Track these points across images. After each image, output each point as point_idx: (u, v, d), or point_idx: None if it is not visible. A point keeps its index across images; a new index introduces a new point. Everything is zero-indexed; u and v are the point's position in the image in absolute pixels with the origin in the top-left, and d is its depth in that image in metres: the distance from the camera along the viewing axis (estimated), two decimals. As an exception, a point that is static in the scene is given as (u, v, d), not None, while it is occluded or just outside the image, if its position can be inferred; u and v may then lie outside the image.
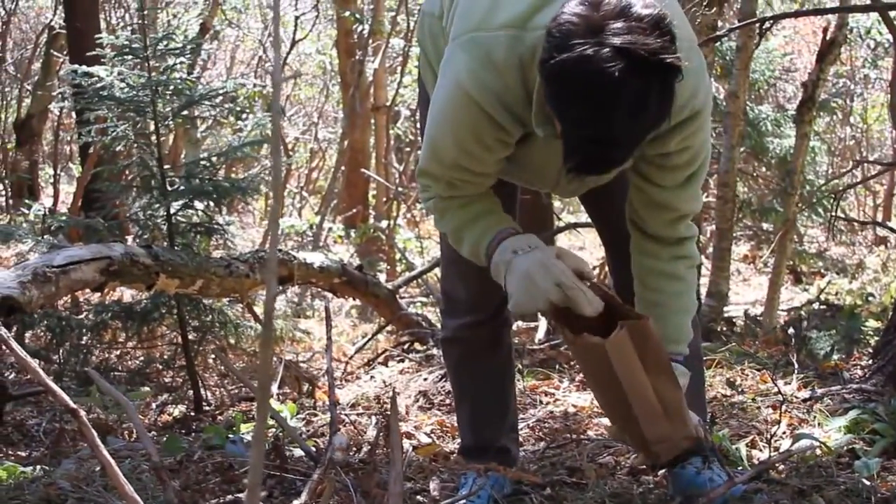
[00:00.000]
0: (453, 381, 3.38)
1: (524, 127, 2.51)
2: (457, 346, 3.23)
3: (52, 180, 14.49)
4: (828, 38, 6.94)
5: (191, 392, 5.22)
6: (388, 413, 3.17)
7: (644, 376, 2.54)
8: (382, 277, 8.58)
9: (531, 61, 2.37)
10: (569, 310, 2.53)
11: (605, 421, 4.21)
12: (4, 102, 16.03)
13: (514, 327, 6.04)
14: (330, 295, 6.33)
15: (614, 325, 2.50)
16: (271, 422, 3.71)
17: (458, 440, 3.65)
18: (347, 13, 11.70)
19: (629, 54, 2.14)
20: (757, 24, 5.63)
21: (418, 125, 3.40)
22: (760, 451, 3.58)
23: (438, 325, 6.29)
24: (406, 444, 3.89)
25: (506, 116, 2.48)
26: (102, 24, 11.66)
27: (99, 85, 5.09)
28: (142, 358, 5.71)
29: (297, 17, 13.82)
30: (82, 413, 2.20)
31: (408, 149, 16.21)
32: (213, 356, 5.60)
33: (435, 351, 5.60)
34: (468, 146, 2.55)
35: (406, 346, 6.04)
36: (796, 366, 4.83)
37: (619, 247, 2.92)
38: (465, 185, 2.67)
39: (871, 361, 4.65)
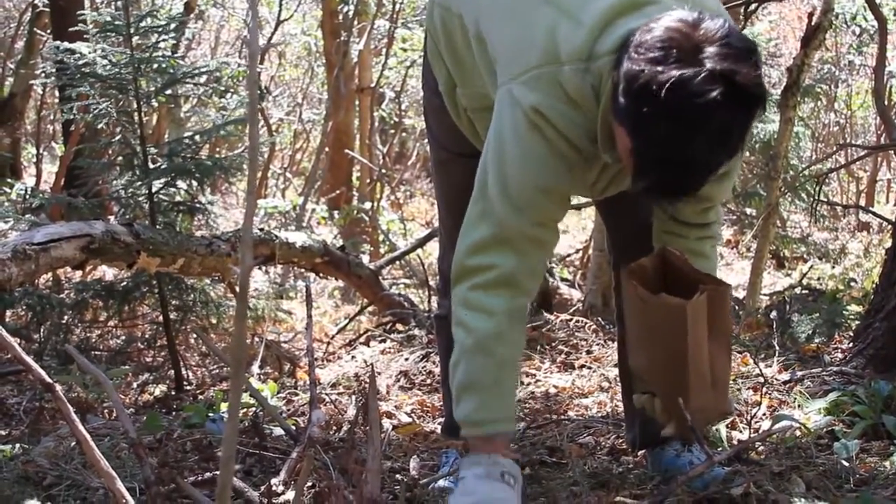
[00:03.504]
0: (442, 356, 3.36)
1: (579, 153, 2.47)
2: (448, 322, 3.22)
3: (34, 159, 14.43)
4: (813, 23, 6.93)
5: (172, 371, 5.21)
6: (368, 392, 3.16)
7: (706, 343, 2.51)
8: (366, 259, 8.57)
9: (600, 87, 2.35)
10: (642, 268, 2.53)
11: (586, 401, 4.23)
12: (-13, 81, 15.95)
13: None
14: (312, 276, 6.31)
15: (670, 291, 2.49)
16: (252, 401, 3.71)
17: (440, 420, 3.65)
18: (332, -6, 11.67)
19: (728, 81, 2.11)
20: (742, 7, 5.63)
21: (422, 119, 3.38)
22: (740, 432, 3.59)
23: (421, 306, 6.30)
24: (386, 423, 3.89)
25: (589, 143, 2.44)
26: (86, 2, 11.58)
27: (81, 62, 5.07)
28: (123, 337, 5.70)
29: (281, -2, 13.76)
30: (59, 388, 2.19)
31: (391, 131, 16.19)
32: (194, 336, 5.59)
33: (416, 331, 5.61)
34: (550, 187, 2.47)
35: (388, 327, 6.04)
36: (777, 349, 4.84)
37: (628, 250, 2.92)
38: (539, 248, 2.55)
39: (851, 345, 4.67)
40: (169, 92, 5.44)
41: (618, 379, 4.42)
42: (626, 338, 2.79)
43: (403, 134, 18.11)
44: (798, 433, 3.46)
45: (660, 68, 2.13)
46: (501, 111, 2.48)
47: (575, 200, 5.41)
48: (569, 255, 9.57)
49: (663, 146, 2.17)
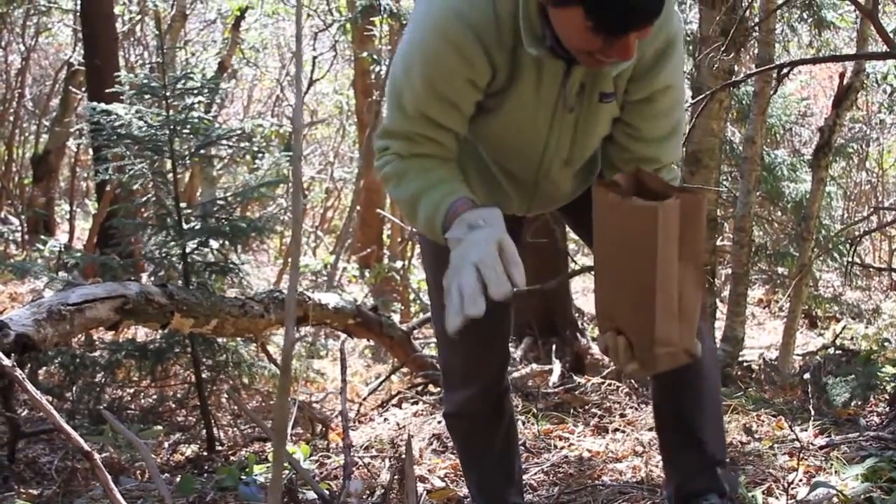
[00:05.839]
0: (459, 451, 3.36)
1: (492, 68, 2.47)
2: (460, 421, 3.21)
3: (68, 216, 14.54)
4: (844, 83, 6.94)
5: (204, 432, 5.21)
6: (402, 456, 3.15)
7: (677, 263, 2.37)
8: (397, 318, 8.57)
9: None
10: (615, 183, 2.44)
11: (620, 466, 4.19)
12: (22, 138, 16.12)
13: (529, 370, 6.02)
14: (344, 335, 6.31)
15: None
16: (285, 465, 3.69)
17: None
18: (365, 54, 11.74)
19: None
20: (774, 71, 5.64)
21: None
22: (777, 498, 3.55)
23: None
24: (420, 487, 3.87)
25: (477, 49, 2.42)
26: (121, 62, 11.72)
27: (117, 123, 5.11)
28: (155, 397, 5.70)
29: (314, 58, 13.87)
30: (96, 455, 2.19)
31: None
32: (226, 396, 5.59)
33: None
34: (436, 85, 2.47)
35: (420, 388, 6.02)
36: (812, 412, 4.80)
37: None
38: (428, 142, 2.58)
39: (888, 408, 4.63)
40: (203, 152, 5.48)
41: (651, 443, 4.40)
42: (594, 264, 2.62)
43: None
44: (836, 500, 3.42)
45: None
46: (412, 16, 2.55)
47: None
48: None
49: None
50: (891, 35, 5.63)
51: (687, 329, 2.43)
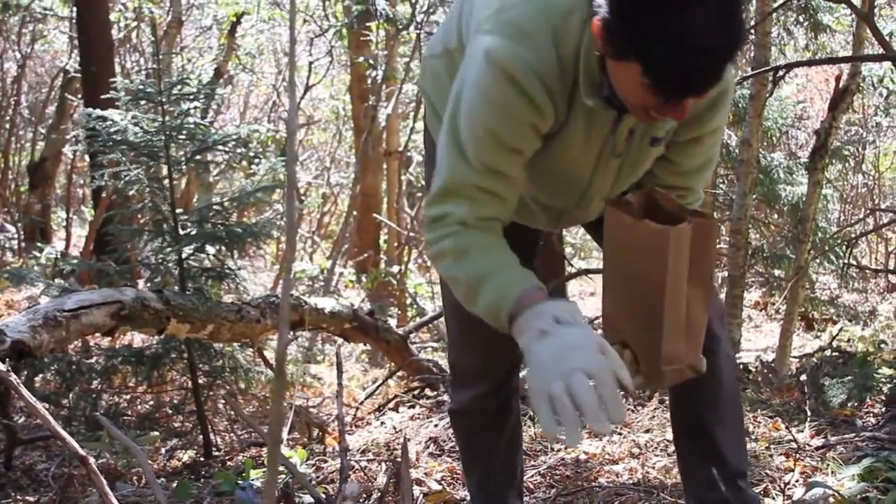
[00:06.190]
0: (462, 449, 3.33)
1: (555, 113, 2.39)
2: (466, 419, 3.19)
3: (64, 223, 14.54)
4: (840, 86, 6.95)
5: (200, 437, 5.21)
6: (399, 460, 3.15)
7: (686, 284, 2.39)
8: (393, 322, 8.56)
9: (566, 28, 2.31)
10: (627, 202, 2.46)
11: (617, 468, 4.20)
12: (18, 145, 16.12)
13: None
14: (340, 340, 6.31)
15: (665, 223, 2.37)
16: (281, 468, 3.70)
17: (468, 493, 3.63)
18: (361, 59, 11.76)
19: None
20: (770, 73, 5.64)
21: (423, 175, 3.34)
22: (773, 499, 3.56)
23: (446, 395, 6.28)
24: (416, 490, 3.87)
25: (542, 94, 2.34)
26: (117, 69, 11.72)
27: (113, 129, 5.11)
28: (151, 402, 5.70)
29: (310, 63, 13.88)
30: (91, 460, 2.19)
31: (419, 194, 16.24)
32: (223, 401, 5.59)
33: (445, 397, 5.58)
34: (503, 132, 2.36)
35: (416, 392, 6.02)
36: (809, 413, 4.80)
37: None
38: (491, 199, 2.42)
39: (884, 409, 4.64)
40: (199, 158, 5.48)
41: (647, 445, 4.40)
42: (603, 278, 2.58)
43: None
44: (832, 500, 3.43)
45: None
46: (464, 64, 2.44)
47: (598, 264, 5.40)
48: (597, 318, 9.54)
49: (672, 44, 2.10)
50: (886, 38, 5.65)
51: (693, 346, 2.47)
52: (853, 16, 7.90)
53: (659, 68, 2.14)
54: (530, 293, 2.30)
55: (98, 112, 5.21)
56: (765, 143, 10.58)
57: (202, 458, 5.07)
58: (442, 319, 7.40)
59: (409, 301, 10.57)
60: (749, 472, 3.20)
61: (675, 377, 2.47)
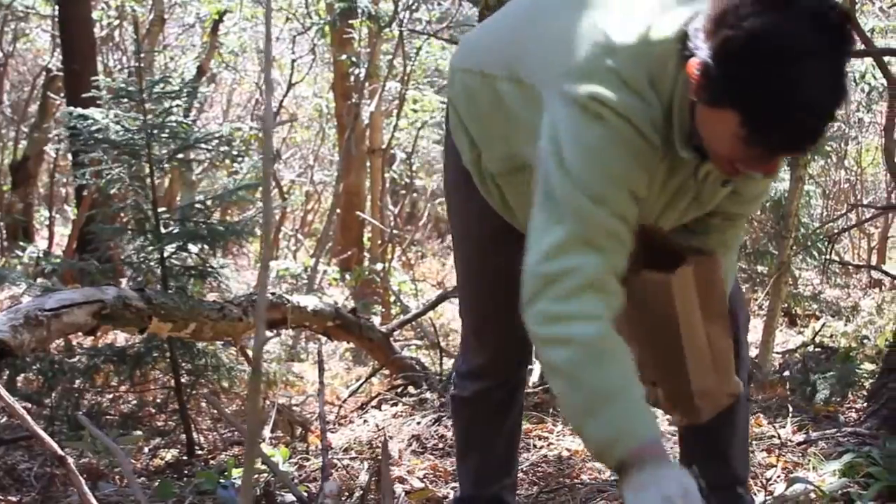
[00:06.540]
0: (459, 435, 3.28)
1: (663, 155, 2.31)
2: (468, 407, 3.17)
3: (47, 222, 14.50)
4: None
5: (183, 436, 5.19)
6: (381, 458, 3.15)
7: (700, 320, 2.40)
8: (377, 320, 8.56)
9: (661, 75, 2.22)
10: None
11: (599, 465, 4.20)
12: (1, 144, 16.06)
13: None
14: (324, 338, 6.31)
15: (654, 267, 2.37)
16: (263, 466, 3.70)
17: (452, 486, 3.63)
18: (344, 57, 11.74)
19: (821, 15, 2.02)
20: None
21: (442, 187, 3.24)
22: (755, 494, 3.56)
23: (433, 368, 6.28)
24: (398, 488, 3.87)
25: (658, 139, 2.26)
26: (100, 67, 11.68)
27: (94, 128, 5.10)
28: (134, 402, 5.69)
29: (293, 61, 13.87)
30: (70, 460, 2.19)
31: (402, 191, 16.24)
32: (205, 400, 5.58)
33: (428, 395, 5.59)
34: (627, 177, 2.25)
35: (399, 390, 6.02)
36: (791, 409, 4.82)
37: None
38: (621, 247, 2.28)
39: (865, 404, 4.65)
40: (181, 156, 5.47)
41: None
42: (617, 324, 2.59)
43: (414, 194, 18.17)
44: (813, 496, 3.44)
45: (750, 23, 2.02)
46: (553, 114, 2.29)
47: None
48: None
49: (780, 96, 2.02)
50: (868, 34, 5.67)
51: (724, 374, 2.51)
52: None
53: (762, 121, 2.06)
54: (651, 445, 2.16)
55: (79, 111, 5.19)
56: (747, 140, 10.56)
57: (185, 458, 5.06)
58: (425, 317, 7.42)
59: (392, 299, 10.57)
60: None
61: (713, 408, 2.51)
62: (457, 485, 3.82)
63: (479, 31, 2.92)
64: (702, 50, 2.10)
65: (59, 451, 2.18)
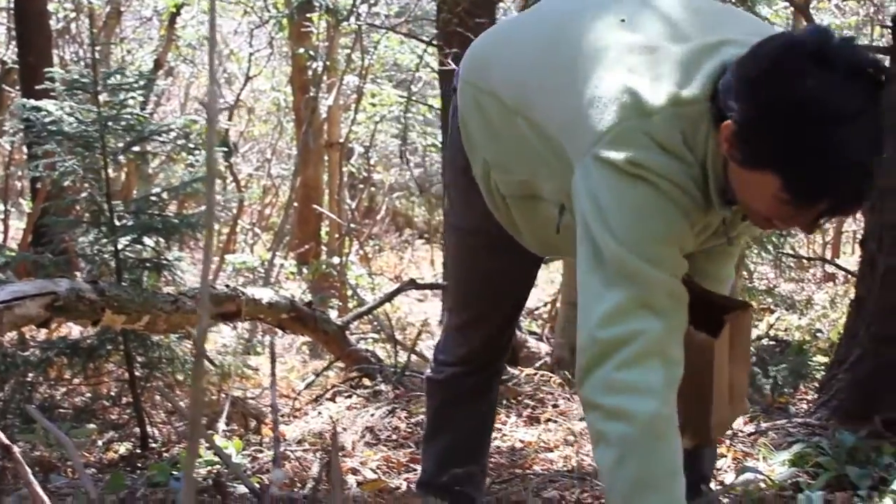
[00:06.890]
0: (430, 417, 3.28)
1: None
2: (444, 389, 3.17)
3: (2, 216, 14.38)
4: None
5: (137, 429, 5.18)
6: (331, 450, 3.15)
7: (727, 362, 2.44)
8: (334, 314, 8.55)
9: (695, 134, 2.18)
10: None
11: (552, 455, 4.23)
12: (-45, 137, 15.93)
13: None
14: (279, 331, 6.30)
15: (705, 321, 2.36)
16: (216, 458, 3.70)
17: (405, 477, 3.64)
18: (301, 50, 11.71)
19: (859, 72, 2.00)
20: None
21: (445, 195, 3.24)
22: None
23: (388, 361, 6.29)
24: (351, 479, 3.88)
25: (697, 192, 2.22)
26: (56, 60, 11.59)
27: (48, 119, 5.07)
28: (88, 395, 5.66)
29: (251, 54, 13.82)
30: (16, 450, 2.19)
31: (360, 185, 16.22)
32: (159, 393, 5.56)
33: (382, 387, 5.60)
34: (672, 233, 2.23)
35: (354, 382, 6.03)
36: (743, 401, 4.86)
37: None
38: (682, 307, 2.26)
39: (816, 396, 4.70)
40: (136, 149, 5.45)
41: (582, 433, 4.43)
42: None
43: (372, 188, 18.14)
44: (762, 485, 3.48)
45: (790, 87, 2.00)
46: (589, 180, 2.22)
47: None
48: (537, 309, 9.59)
49: (826, 161, 2.00)
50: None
51: (738, 404, 2.62)
52: (791, 8, 7.97)
53: (807, 185, 2.04)
54: None
55: (33, 102, 5.16)
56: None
57: (139, 451, 5.04)
58: (380, 310, 7.42)
59: (349, 292, 10.57)
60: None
61: (723, 431, 2.75)
62: (410, 475, 3.85)
63: (491, 40, 2.79)
64: (736, 112, 2.07)
65: (6, 441, 2.18)
